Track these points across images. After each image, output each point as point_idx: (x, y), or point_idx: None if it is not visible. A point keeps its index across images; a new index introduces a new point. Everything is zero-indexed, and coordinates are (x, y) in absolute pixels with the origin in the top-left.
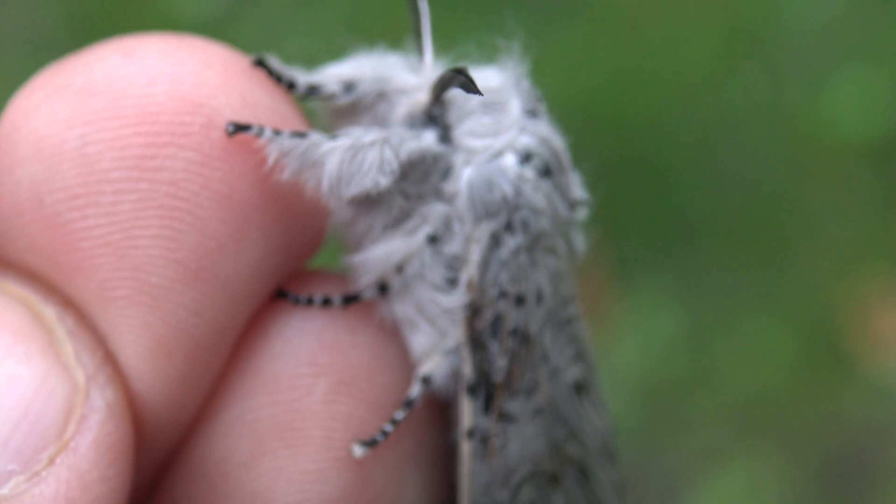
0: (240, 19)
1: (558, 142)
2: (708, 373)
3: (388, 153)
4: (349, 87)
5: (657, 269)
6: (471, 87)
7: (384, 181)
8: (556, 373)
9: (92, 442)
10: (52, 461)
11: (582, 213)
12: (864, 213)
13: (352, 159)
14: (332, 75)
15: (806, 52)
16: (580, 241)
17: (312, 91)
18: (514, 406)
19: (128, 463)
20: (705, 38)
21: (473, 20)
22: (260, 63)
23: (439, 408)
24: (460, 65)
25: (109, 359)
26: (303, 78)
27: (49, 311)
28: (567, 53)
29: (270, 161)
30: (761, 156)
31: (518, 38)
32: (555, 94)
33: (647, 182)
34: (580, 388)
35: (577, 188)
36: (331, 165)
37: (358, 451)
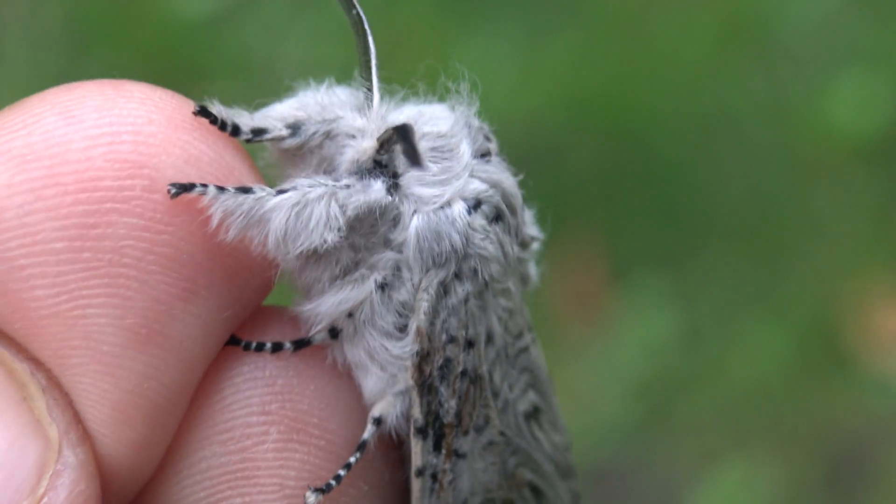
0: (239, 19)
1: (510, 183)
2: (706, 372)
3: (335, 209)
4: (295, 128)
5: (655, 270)
6: (413, 149)
7: (331, 238)
8: (508, 405)
9: (65, 499)
10: None
11: (535, 248)
12: (863, 212)
13: (297, 216)
14: (277, 117)
15: (803, 53)
16: (534, 272)
17: (258, 135)
18: (464, 443)
19: None
20: (703, 40)
21: (473, 24)
22: (203, 111)
23: (394, 447)
24: (406, 123)
25: (78, 418)
26: (247, 122)
27: (21, 367)
28: (566, 57)
29: (215, 221)
30: (759, 156)
31: (466, 76)
32: (554, 97)
33: (645, 183)
34: (533, 414)
35: (530, 227)
36: (276, 223)
37: (311, 498)
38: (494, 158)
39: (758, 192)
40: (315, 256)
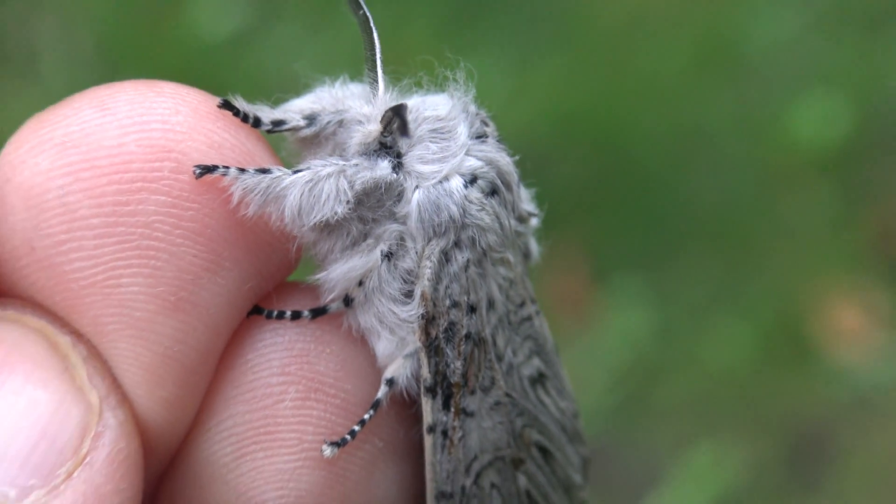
0: (257, 41)
1: (505, 161)
2: (679, 363)
3: (344, 184)
4: (311, 119)
5: (634, 271)
6: (404, 123)
7: (341, 210)
8: (512, 369)
9: (106, 457)
10: (69, 475)
11: (534, 224)
12: (823, 218)
13: (311, 191)
14: (295, 109)
15: (769, 73)
16: (535, 248)
17: (277, 126)
18: (472, 402)
19: (139, 475)
20: (678, 61)
21: (471, 46)
22: (226, 104)
23: (408, 407)
24: (401, 102)
25: (117, 384)
26: (267, 115)
27: (64, 340)
28: (554, 76)
29: (235, 198)
30: (730, 167)
31: (462, 69)
32: (543, 113)
33: (626, 192)
34: (538, 379)
35: (526, 203)
36: (292, 199)
37: (328, 451)
38: (491, 140)
39: (728, 199)
40: (327, 228)
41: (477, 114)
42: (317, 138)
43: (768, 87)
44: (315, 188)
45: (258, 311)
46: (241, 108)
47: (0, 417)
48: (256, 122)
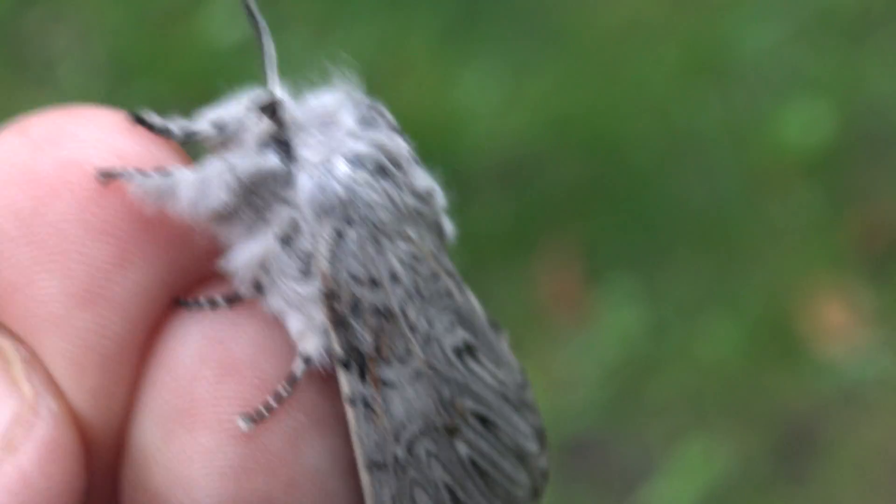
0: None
1: (394, 144)
2: (671, 359)
3: (229, 176)
4: (219, 126)
5: (627, 271)
6: (279, 112)
7: (227, 199)
8: (431, 339)
9: (36, 445)
10: None
11: (440, 202)
12: (809, 219)
13: (200, 186)
14: (206, 119)
15: (755, 80)
16: (448, 226)
17: (188, 135)
18: (389, 373)
19: (75, 463)
20: (668, 69)
21: (469, 55)
22: (137, 119)
23: (332, 382)
24: (273, 97)
25: (51, 378)
26: (179, 126)
27: (5, 343)
28: (549, 83)
29: (133, 196)
30: (719, 170)
31: (351, 64)
32: (538, 118)
33: (618, 194)
34: (465, 350)
35: (423, 181)
36: (184, 194)
37: (242, 424)
38: (381, 125)
39: (717, 201)
40: (223, 218)
41: (364, 102)
42: (225, 143)
43: (755, 93)
44: (203, 182)
45: (178, 303)
46: (151, 122)
47: None
48: (168, 134)
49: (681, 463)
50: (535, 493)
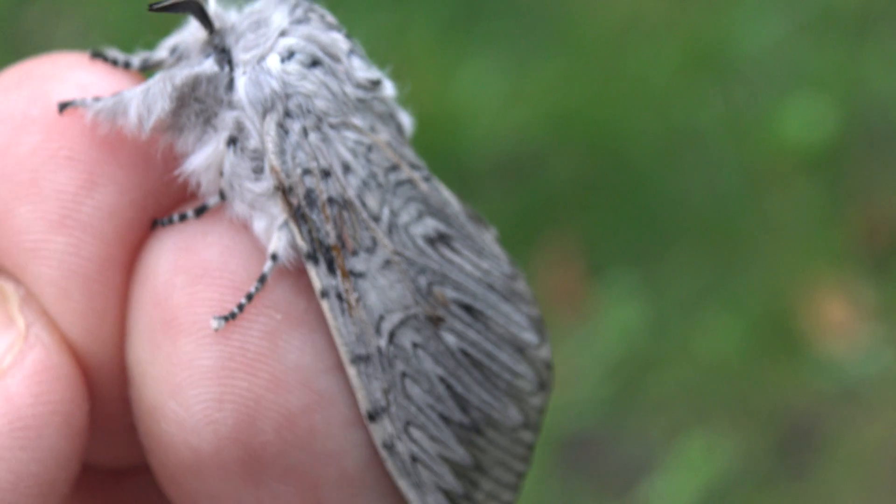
0: None
1: (328, 36)
2: (671, 354)
3: (167, 85)
4: (173, 50)
5: (628, 266)
6: (203, 12)
7: (167, 106)
8: (396, 228)
9: (26, 370)
10: None
11: (389, 91)
12: (810, 215)
13: (144, 98)
14: (164, 46)
15: (756, 76)
16: (405, 118)
17: (146, 63)
18: (357, 263)
19: (70, 386)
20: (669, 65)
21: (471, 51)
22: (96, 54)
23: (303, 278)
24: (198, 3)
25: (44, 310)
26: (139, 57)
27: (4, 285)
28: (550, 79)
29: (88, 120)
30: (719, 166)
31: None
32: (539, 114)
33: (619, 190)
34: (438, 238)
35: (364, 71)
36: (132, 109)
37: (215, 323)
38: (314, 20)
39: (718, 197)
40: (173, 128)
41: (303, 5)
42: (178, 63)
43: (756, 89)
44: (147, 94)
45: (155, 223)
46: (110, 56)
47: None
48: (127, 65)
49: (681, 459)
50: (542, 385)
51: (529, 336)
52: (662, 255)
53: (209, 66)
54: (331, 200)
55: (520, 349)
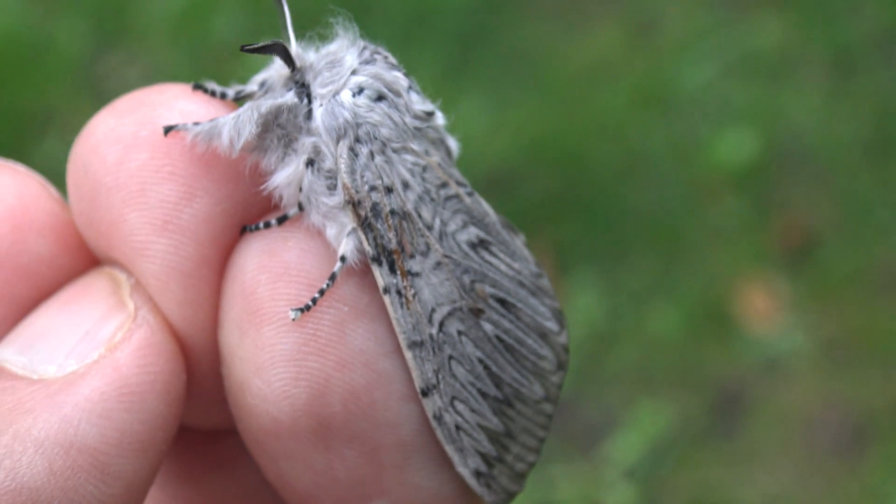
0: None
1: (391, 75)
2: (625, 337)
3: (255, 113)
4: (262, 84)
5: (590, 267)
6: (287, 53)
7: (255, 130)
8: (446, 235)
9: (133, 346)
10: (100, 358)
11: (440, 122)
12: (739, 223)
13: (235, 124)
14: (255, 80)
15: (693, 111)
16: (453, 143)
17: (239, 94)
18: (414, 264)
19: (170, 362)
20: (623, 101)
21: (464, 90)
22: (197, 86)
23: (366, 276)
24: (277, 41)
25: (150, 297)
26: (233, 90)
27: (119, 275)
28: (526, 111)
29: (188, 142)
30: (666, 184)
31: (350, 20)
32: (517, 140)
33: (584, 204)
34: (480, 244)
35: (420, 104)
36: (225, 132)
37: (292, 314)
38: (380, 61)
39: (664, 208)
40: (259, 149)
41: (367, 47)
42: (265, 95)
43: (694, 120)
44: (237, 120)
45: (245, 229)
46: (209, 88)
47: (62, 325)
48: (223, 96)
49: (633, 421)
50: (560, 365)
51: (551, 325)
52: (619, 256)
53: (290, 97)
54: (392, 212)
55: (543, 335)
